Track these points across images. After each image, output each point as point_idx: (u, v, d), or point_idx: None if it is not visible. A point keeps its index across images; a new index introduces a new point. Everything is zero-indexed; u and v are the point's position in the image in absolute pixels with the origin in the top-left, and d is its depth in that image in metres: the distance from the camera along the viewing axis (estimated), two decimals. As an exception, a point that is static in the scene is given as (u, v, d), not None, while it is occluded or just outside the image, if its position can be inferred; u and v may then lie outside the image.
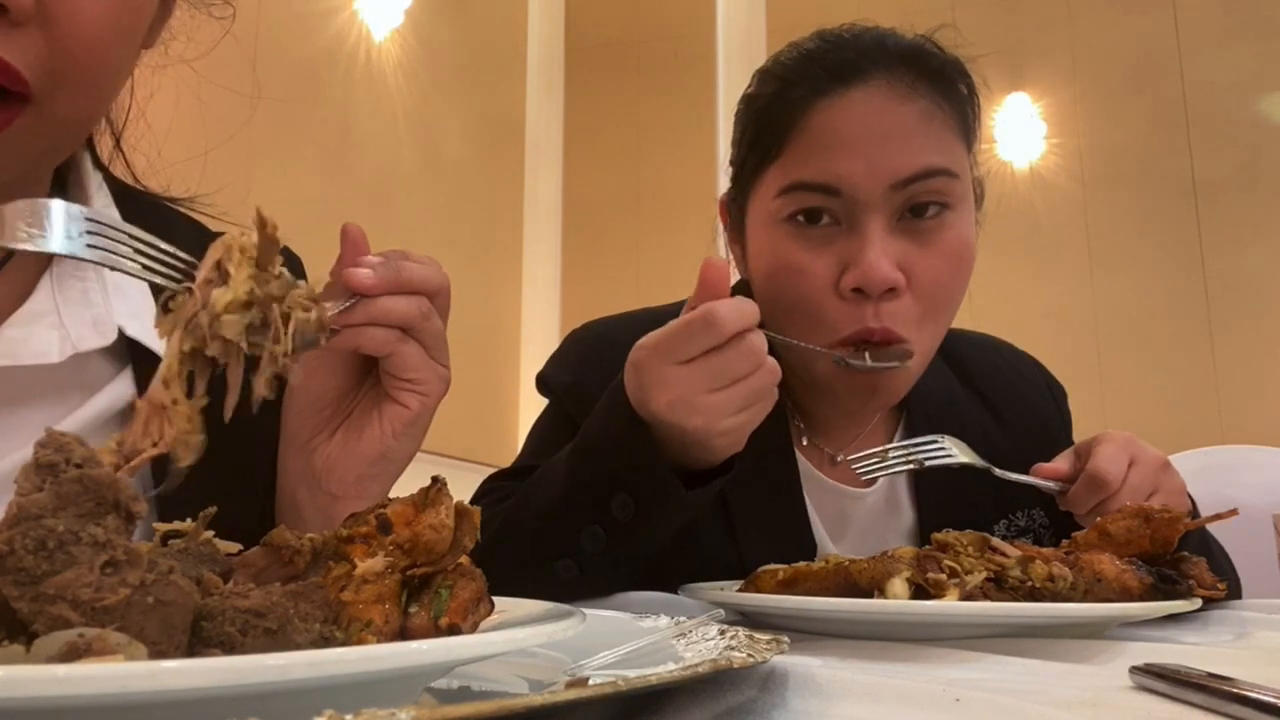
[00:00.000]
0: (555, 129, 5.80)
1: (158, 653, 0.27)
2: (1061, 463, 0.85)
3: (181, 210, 0.76)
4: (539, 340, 5.39)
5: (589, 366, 0.94)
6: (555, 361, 1.04)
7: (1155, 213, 5.17)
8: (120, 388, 0.63)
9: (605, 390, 0.79)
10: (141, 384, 0.64)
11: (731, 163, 0.94)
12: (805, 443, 0.95)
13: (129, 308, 0.64)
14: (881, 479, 0.92)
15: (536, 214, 5.58)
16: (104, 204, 0.68)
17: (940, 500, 0.92)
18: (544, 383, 1.02)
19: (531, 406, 1.12)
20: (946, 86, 0.84)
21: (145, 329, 0.64)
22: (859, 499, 0.93)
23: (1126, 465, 0.81)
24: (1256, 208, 5.03)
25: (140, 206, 0.72)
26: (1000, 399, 0.99)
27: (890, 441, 0.94)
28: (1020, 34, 5.50)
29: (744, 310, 0.70)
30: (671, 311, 1.01)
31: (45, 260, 0.63)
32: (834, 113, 0.81)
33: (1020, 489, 0.86)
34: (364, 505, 0.46)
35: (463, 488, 0.53)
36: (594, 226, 6.04)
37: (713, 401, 0.69)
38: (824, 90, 0.82)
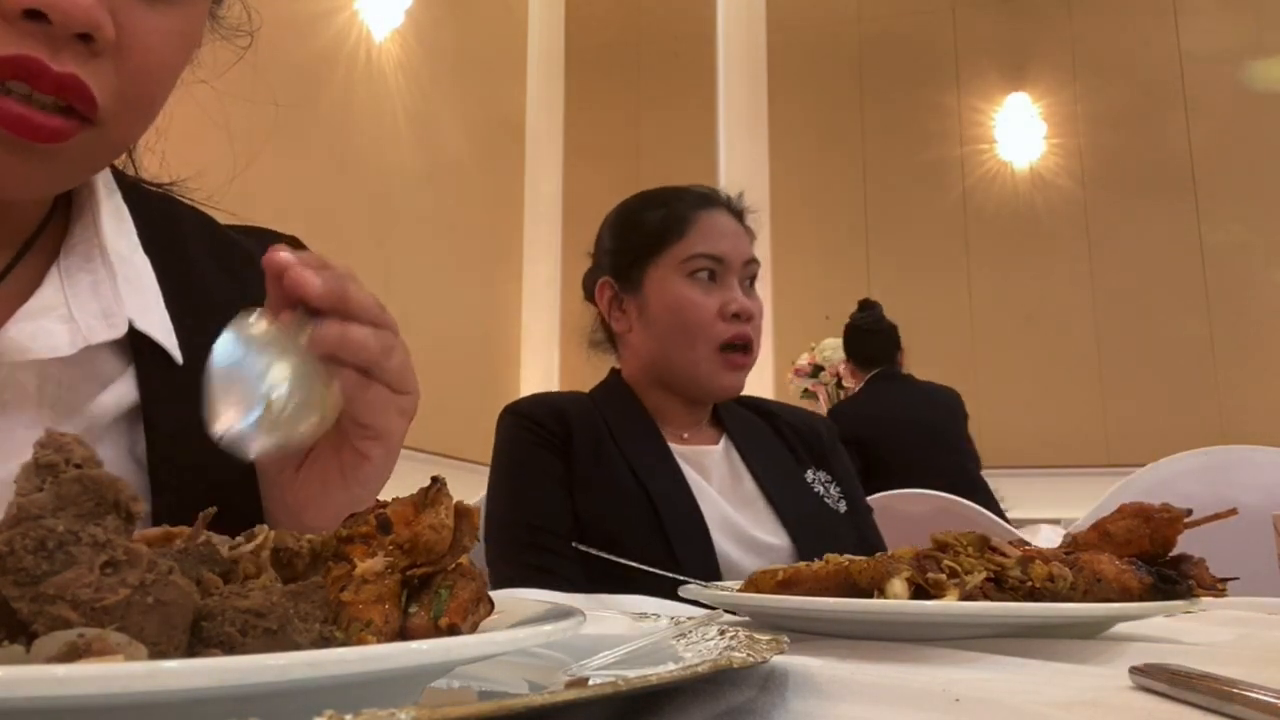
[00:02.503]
0: (555, 129, 5.79)
1: (158, 653, 0.27)
2: None
3: (185, 201, 0.77)
4: (539, 340, 5.39)
5: (505, 442, 1.33)
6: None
7: (1155, 213, 5.16)
8: (124, 386, 0.63)
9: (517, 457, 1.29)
10: (144, 383, 0.63)
11: (615, 258, 1.41)
12: (665, 431, 1.38)
13: (138, 300, 0.63)
14: (721, 445, 1.38)
15: (536, 214, 5.57)
16: (115, 202, 0.68)
17: (755, 457, 1.35)
18: None
19: (531, 407, 1.24)
20: (744, 219, 1.43)
21: (154, 322, 0.63)
22: (709, 454, 1.35)
23: None
24: (1257, 208, 5.03)
25: (148, 199, 0.72)
26: (785, 424, 1.44)
27: (718, 431, 1.40)
28: (1020, 34, 5.50)
29: None
30: (597, 397, 1.40)
31: (53, 252, 0.63)
32: (709, 220, 1.36)
33: (802, 458, 1.38)
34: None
35: (463, 488, 0.52)
36: (594, 227, 6.02)
37: None
38: (699, 207, 1.37)
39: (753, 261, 1.38)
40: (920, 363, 3.40)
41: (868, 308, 3.41)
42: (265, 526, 0.37)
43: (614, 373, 1.45)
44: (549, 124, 5.72)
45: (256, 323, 0.47)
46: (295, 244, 0.81)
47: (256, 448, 0.42)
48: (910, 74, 5.60)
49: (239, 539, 0.36)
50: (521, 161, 5.51)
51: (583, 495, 1.25)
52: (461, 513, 0.39)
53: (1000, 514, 2.31)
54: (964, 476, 2.79)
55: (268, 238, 0.80)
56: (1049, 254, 5.31)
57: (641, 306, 1.37)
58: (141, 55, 0.55)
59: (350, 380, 0.51)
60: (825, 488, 1.36)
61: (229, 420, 0.41)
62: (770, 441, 1.40)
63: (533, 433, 1.29)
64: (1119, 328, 5.08)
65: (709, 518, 1.23)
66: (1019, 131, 5.45)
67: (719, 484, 1.32)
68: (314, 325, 0.49)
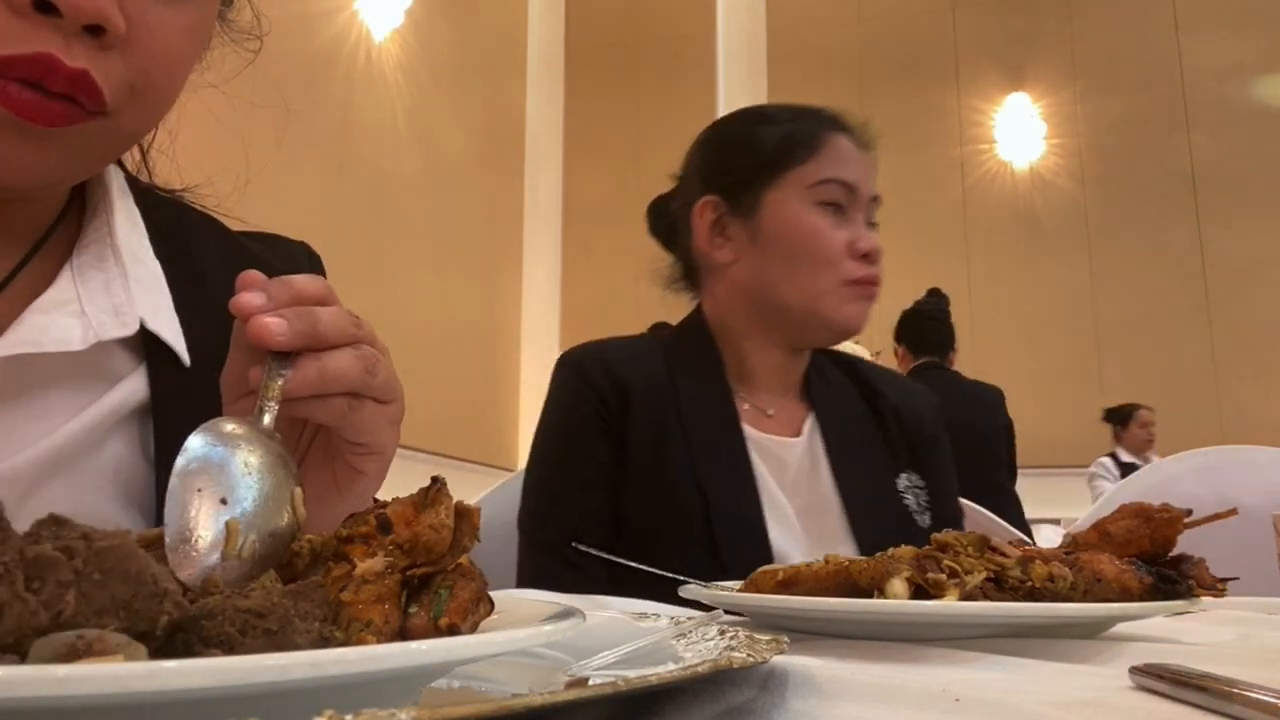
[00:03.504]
0: (555, 129, 5.79)
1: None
2: None
3: (196, 207, 0.77)
4: (539, 340, 5.39)
5: (555, 401, 1.21)
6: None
7: (1155, 213, 5.16)
8: (135, 384, 0.63)
9: (580, 405, 1.16)
10: (155, 381, 0.63)
11: (720, 178, 1.26)
12: (745, 408, 1.22)
13: (149, 301, 0.64)
14: (806, 432, 1.22)
15: (536, 214, 5.57)
16: (128, 204, 0.68)
17: (841, 454, 1.20)
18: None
19: (531, 407, 1.18)
20: (870, 143, 1.29)
21: (165, 323, 0.64)
22: (789, 446, 1.20)
23: None
24: (1256, 207, 5.03)
25: (160, 204, 0.73)
26: (889, 408, 1.28)
27: (806, 408, 1.24)
28: (1020, 34, 5.50)
29: None
30: (670, 352, 1.24)
31: (66, 251, 0.64)
32: (841, 143, 1.23)
33: (899, 454, 1.23)
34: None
35: (463, 488, 0.52)
36: (594, 226, 6.03)
37: None
38: (830, 128, 1.23)
39: (877, 199, 1.25)
40: (920, 363, 3.40)
41: (936, 295, 3.41)
42: None
43: (697, 312, 1.29)
44: (549, 124, 5.72)
45: (216, 431, 0.43)
46: (305, 250, 0.82)
47: (226, 578, 0.39)
48: (910, 74, 5.59)
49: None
50: (521, 162, 5.51)
51: (631, 488, 1.14)
52: (461, 513, 0.39)
53: (1024, 527, 2.30)
54: (981, 481, 2.77)
55: (279, 243, 0.80)
56: (1049, 254, 5.31)
57: (754, 233, 1.22)
58: (151, 47, 0.55)
59: (338, 406, 0.50)
60: (915, 496, 1.21)
61: (191, 557, 0.38)
62: (865, 434, 1.24)
63: (587, 403, 1.16)
64: (1119, 328, 5.08)
65: (773, 531, 1.10)
66: (1019, 131, 5.45)
67: (793, 484, 1.18)
68: (287, 373, 0.46)
